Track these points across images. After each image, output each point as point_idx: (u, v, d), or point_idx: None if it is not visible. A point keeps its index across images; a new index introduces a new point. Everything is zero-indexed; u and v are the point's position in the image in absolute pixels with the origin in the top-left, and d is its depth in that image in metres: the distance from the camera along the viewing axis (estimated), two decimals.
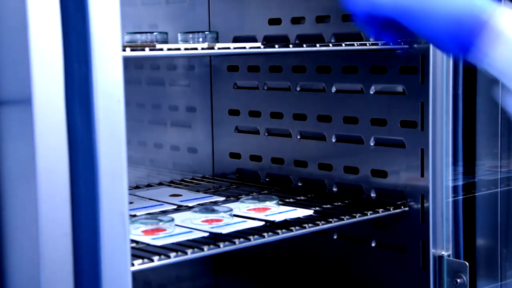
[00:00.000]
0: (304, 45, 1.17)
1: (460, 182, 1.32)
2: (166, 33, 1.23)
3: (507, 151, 1.41)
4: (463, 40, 0.92)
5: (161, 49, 1.02)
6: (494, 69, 0.91)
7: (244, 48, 1.10)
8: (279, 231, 1.12)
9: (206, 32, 1.24)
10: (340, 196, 1.37)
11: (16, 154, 0.90)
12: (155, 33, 1.19)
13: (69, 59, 0.86)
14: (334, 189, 1.40)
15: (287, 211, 1.23)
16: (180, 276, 1.47)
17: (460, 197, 1.31)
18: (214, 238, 1.09)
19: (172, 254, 1.01)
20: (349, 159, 1.38)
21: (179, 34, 1.24)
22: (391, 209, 1.27)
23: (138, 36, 1.18)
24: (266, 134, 1.52)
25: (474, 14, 0.91)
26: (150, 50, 1.01)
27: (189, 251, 1.03)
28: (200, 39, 1.20)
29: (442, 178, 1.23)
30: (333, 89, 1.39)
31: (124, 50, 0.92)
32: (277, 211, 1.23)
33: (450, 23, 0.92)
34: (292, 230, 1.14)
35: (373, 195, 1.34)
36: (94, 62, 0.85)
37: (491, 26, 0.90)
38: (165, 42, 1.22)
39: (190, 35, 1.22)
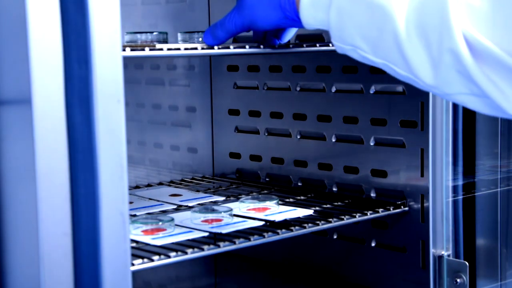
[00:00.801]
0: (304, 45, 1.17)
1: (460, 182, 1.32)
2: (166, 33, 1.23)
3: (507, 151, 1.41)
4: (290, 18, 1.04)
5: (161, 49, 1.02)
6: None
7: (244, 48, 1.10)
8: (279, 231, 1.12)
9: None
10: (340, 196, 1.37)
11: (16, 154, 0.90)
12: (155, 33, 1.19)
13: (69, 59, 0.86)
14: (334, 189, 1.40)
15: (287, 211, 1.23)
16: (180, 276, 1.47)
17: (460, 197, 1.31)
18: (214, 238, 1.09)
19: (172, 254, 1.01)
20: (349, 159, 1.38)
21: (179, 34, 1.24)
22: (391, 209, 1.27)
23: (138, 36, 1.18)
24: (266, 134, 1.52)
25: None
26: (150, 50, 1.01)
27: (189, 251, 1.03)
28: (200, 39, 1.20)
29: (442, 178, 1.23)
30: (333, 89, 1.39)
31: (124, 50, 0.92)
32: (277, 211, 1.23)
33: (275, 10, 1.04)
34: (292, 230, 1.14)
35: (373, 195, 1.34)
36: (94, 62, 0.85)
37: None
38: (165, 42, 1.22)
39: (188, 35, 1.22)
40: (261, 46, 1.12)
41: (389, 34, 0.89)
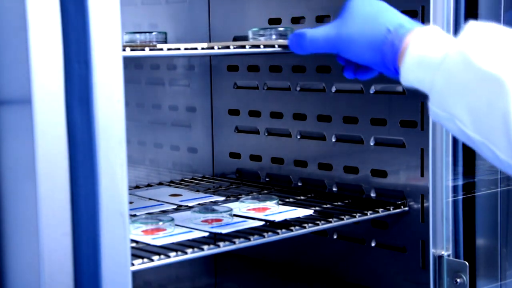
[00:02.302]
0: None
1: (460, 182, 1.32)
2: (165, 33, 1.23)
3: None
4: (387, 65, 0.97)
5: (161, 49, 1.02)
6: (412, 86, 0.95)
7: (244, 48, 1.10)
8: (279, 231, 1.12)
9: (154, 33, 1.23)
10: (340, 196, 1.37)
11: (16, 154, 0.90)
12: (154, 33, 1.18)
13: (69, 59, 0.86)
14: (334, 189, 1.40)
15: (287, 211, 1.23)
16: (180, 276, 1.47)
17: (460, 197, 1.31)
18: (214, 238, 1.09)
19: (172, 254, 1.01)
20: (349, 159, 1.38)
21: (249, 32, 1.20)
22: (391, 209, 1.27)
23: (137, 36, 1.18)
24: (266, 134, 1.52)
25: (388, 40, 0.95)
26: (150, 50, 1.01)
27: (189, 251, 1.03)
28: (274, 37, 1.18)
29: (442, 178, 1.23)
30: (333, 89, 1.39)
31: (124, 50, 0.92)
32: (277, 211, 1.23)
33: (373, 51, 0.97)
34: (292, 230, 1.14)
35: (373, 195, 1.34)
36: (94, 62, 0.85)
37: (403, 48, 0.93)
38: (165, 42, 1.22)
39: (263, 31, 1.19)
40: (261, 46, 1.12)
41: (499, 112, 0.81)
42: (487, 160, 0.86)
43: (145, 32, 1.18)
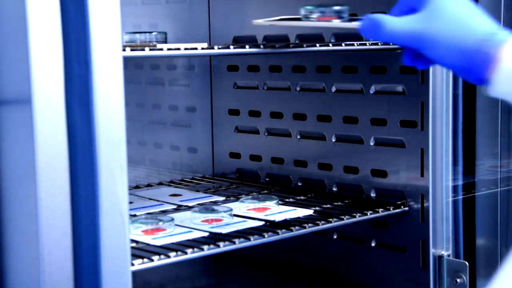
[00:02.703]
0: (304, 45, 1.17)
1: (460, 182, 1.32)
2: (165, 33, 1.23)
3: (507, 151, 1.41)
4: (475, 72, 0.91)
5: (161, 49, 1.02)
6: (505, 99, 0.90)
7: (244, 48, 1.10)
8: (279, 231, 1.12)
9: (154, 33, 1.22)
10: (340, 196, 1.37)
11: (16, 154, 0.90)
12: (154, 33, 1.18)
13: (69, 59, 0.86)
14: (334, 189, 1.40)
15: (287, 211, 1.23)
16: (180, 276, 1.47)
17: (460, 197, 1.31)
18: (214, 238, 1.09)
19: (172, 254, 1.01)
20: (349, 159, 1.38)
21: (303, 8, 1.15)
22: (391, 209, 1.27)
23: (137, 36, 1.17)
24: (266, 134, 1.52)
25: (482, 48, 0.89)
26: (150, 50, 1.01)
27: (189, 251, 1.03)
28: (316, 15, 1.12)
29: (442, 178, 1.23)
30: (333, 89, 1.39)
31: (124, 50, 0.92)
32: (277, 211, 1.23)
33: (460, 56, 0.91)
34: (292, 230, 1.14)
35: (373, 195, 1.34)
36: (94, 62, 0.85)
37: (497, 59, 0.88)
38: (164, 42, 1.22)
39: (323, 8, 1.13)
40: (261, 46, 1.12)
41: None
42: None
43: (145, 32, 1.18)
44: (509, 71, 0.87)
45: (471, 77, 0.93)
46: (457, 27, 0.91)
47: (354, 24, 1.03)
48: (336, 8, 1.10)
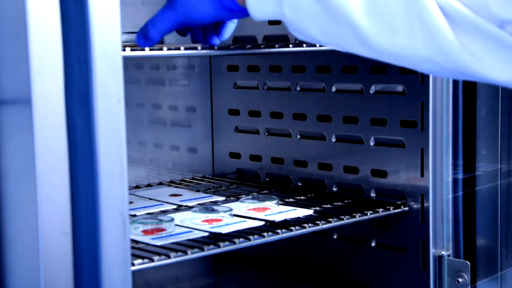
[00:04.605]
0: (304, 45, 1.17)
1: (460, 182, 1.32)
2: None
3: (507, 151, 1.41)
4: (229, 6, 1.00)
5: (161, 49, 1.02)
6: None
7: (244, 48, 1.10)
8: (279, 231, 1.12)
9: None
10: (340, 196, 1.37)
11: (16, 154, 0.90)
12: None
13: (69, 59, 0.86)
14: (334, 189, 1.40)
15: (287, 211, 1.23)
16: (180, 276, 1.47)
17: (460, 197, 1.31)
18: (214, 238, 1.09)
19: (172, 254, 1.01)
20: (349, 159, 1.38)
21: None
22: (391, 209, 1.27)
23: (135, 35, 1.16)
24: (266, 134, 1.52)
25: None
26: (150, 50, 1.01)
27: (189, 251, 1.03)
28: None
29: (442, 178, 1.23)
30: (333, 89, 1.39)
31: (124, 50, 0.92)
32: (277, 211, 1.23)
33: (208, 3, 1.01)
34: (292, 230, 1.14)
35: (373, 195, 1.34)
36: (94, 62, 0.85)
37: None
38: (162, 42, 1.21)
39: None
40: (261, 46, 1.12)
41: (347, 28, 0.89)
42: None
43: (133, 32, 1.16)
44: None
45: (231, 13, 1.00)
46: None
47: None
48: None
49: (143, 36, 1.04)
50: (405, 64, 0.92)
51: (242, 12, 1.00)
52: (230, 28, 1.09)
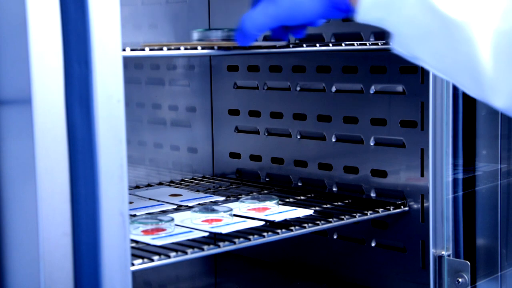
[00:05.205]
0: (304, 45, 1.17)
1: (460, 182, 1.32)
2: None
3: (507, 151, 1.41)
4: (338, 4, 0.94)
5: (161, 49, 1.02)
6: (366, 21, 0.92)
7: (245, 48, 1.10)
8: (279, 231, 1.12)
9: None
10: (340, 196, 1.37)
11: (16, 154, 0.90)
12: (226, 30, 1.14)
13: (69, 59, 0.86)
14: (334, 189, 1.40)
15: (287, 211, 1.23)
16: (180, 276, 1.47)
17: (460, 197, 1.31)
18: (214, 238, 1.09)
19: (172, 254, 1.01)
20: (349, 159, 1.38)
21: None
22: (391, 209, 1.27)
23: (207, 33, 1.14)
24: (266, 134, 1.52)
25: None
26: (150, 50, 1.01)
27: (189, 251, 1.03)
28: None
29: (442, 178, 1.23)
30: (333, 89, 1.39)
31: (124, 50, 0.92)
32: (277, 211, 1.23)
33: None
34: (292, 230, 1.14)
35: (373, 195, 1.34)
36: (94, 62, 0.85)
37: None
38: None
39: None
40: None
41: (463, 56, 0.82)
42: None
43: (217, 29, 1.14)
44: (371, 1, 0.89)
45: (338, 11, 0.94)
46: None
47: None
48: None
49: (242, 34, 0.99)
50: None
51: (346, 12, 0.94)
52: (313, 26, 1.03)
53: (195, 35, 1.14)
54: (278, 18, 0.96)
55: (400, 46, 0.89)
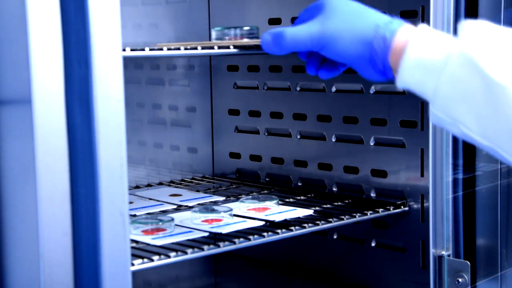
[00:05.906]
0: None
1: (460, 182, 1.32)
2: (257, 27, 1.17)
3: None
4: (375, 62, 0.94)
5: (161, 49, 1.02)
6: (406, 87, 0.92)
7: (244, 48, 1.10)
8: (279, 231, 1.12)
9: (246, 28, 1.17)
10: (340, 196, 1.37)
11: (16, 154, 0.90)
12: (245, 28, 1.14)
13: (69, 59, 0.86)
14: (334, 189, 1.40)
15: (287, 211, 1.23)
16: (180, 276, 1.47)
17: (460, 197, 1.31)
18: (214, 238, 1.09)
19: (172, 254, 1.01)
20: (349, 159, 1.38)
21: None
22: (391, 209, 1.27)
23: (226, 31, 1.13)
24: (266, 134, 1.52)
25: (378, 33, 0.93)
26: (150, 50, 1.01)
27: (189, 251, 1.03)
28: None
29: (442, 178, 1.23)
30: (333, 89, 1.39)
31: (124, 50, 0.92)
32: (277, 211, 1.23)
33: (358, 45, 0.94)
34: (292, 230, 1.14)
35: (373, 195, 1.34)
36: (94, 62, 0.85)
37: (395, 43, 0.91)
38: (257, 37, 1.16)
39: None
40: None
41: (505, 118, 0.80)
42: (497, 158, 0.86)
43: (236, 27, 1.13)
44: (414, 61, 0.89)
45: (375, 68, 0.94)
46: (355, 20, 0.95)
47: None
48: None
49: (276, 44, 0.99)
50: None
51: (385, 71, 0.94)
52: (339, 72, 1.03)
53: (214, 33, 1.13)
54: (319, 41, 0.96)
55: (440, 109, 0.87)
